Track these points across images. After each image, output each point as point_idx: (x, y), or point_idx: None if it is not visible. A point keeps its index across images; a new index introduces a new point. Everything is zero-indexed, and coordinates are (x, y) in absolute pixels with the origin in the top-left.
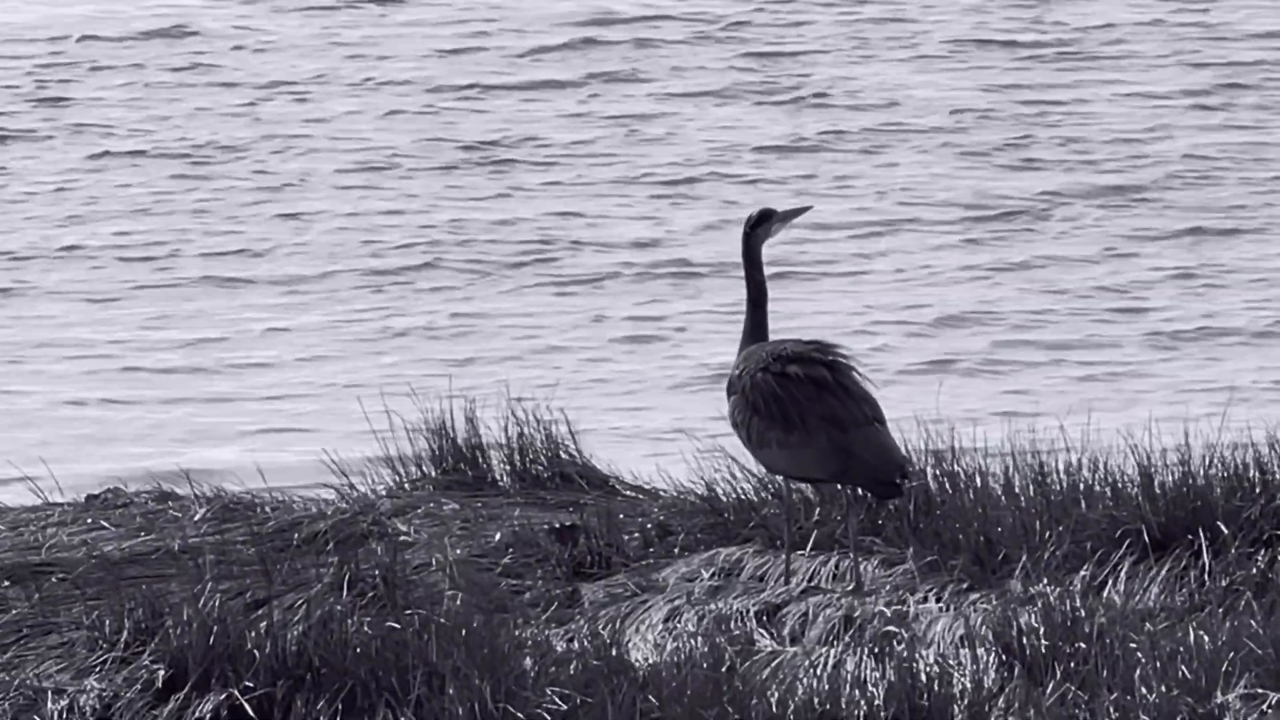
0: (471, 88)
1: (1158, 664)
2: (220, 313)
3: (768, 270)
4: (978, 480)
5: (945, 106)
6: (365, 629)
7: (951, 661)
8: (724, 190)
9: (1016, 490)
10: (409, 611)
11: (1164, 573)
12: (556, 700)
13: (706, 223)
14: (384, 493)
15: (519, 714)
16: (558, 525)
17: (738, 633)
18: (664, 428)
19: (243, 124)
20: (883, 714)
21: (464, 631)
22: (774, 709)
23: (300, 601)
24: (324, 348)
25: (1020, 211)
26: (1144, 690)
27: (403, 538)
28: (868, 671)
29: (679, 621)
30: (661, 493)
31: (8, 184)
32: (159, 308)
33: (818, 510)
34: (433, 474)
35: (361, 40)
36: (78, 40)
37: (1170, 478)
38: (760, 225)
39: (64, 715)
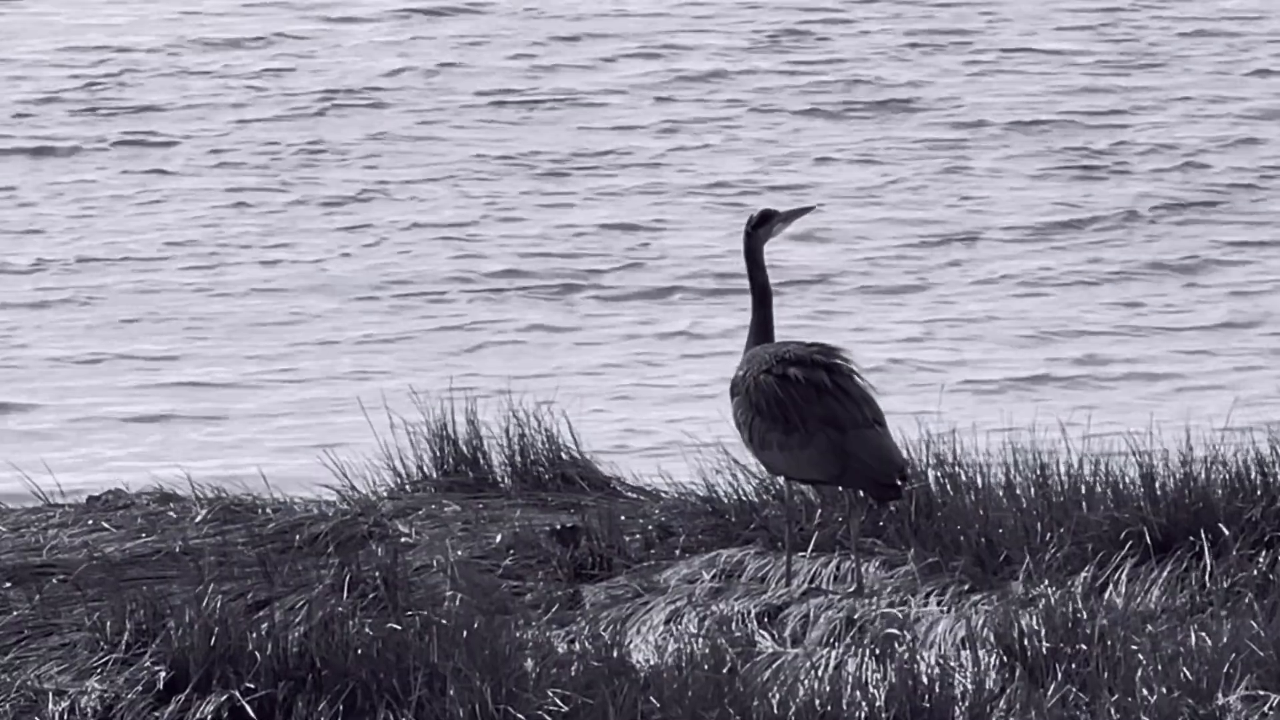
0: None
1: (1159, 665)
2: (272, 323)
3: (792, 271)
4: (979, 481)
5: (1019, 115)
6: (366, 630)
7: (953, 663)
8: (782, 200)
9: (1018, 492)
10: (410, 613)
11: (1165, 574)
12: (558, 701)
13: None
14: (385, 494)
15: (520, 715)
16: (559, 527)
17: (739, 634)
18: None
19: (313, 132)
20: (884, 715)
21: (465, 633)
22: (775, 710)
23: (301, 603)
24: (384, 361)
25: (1098, 222)
26: (1145, 692)
27: (404, 539)
28: (869, 673)
29: (680, 623)
30: (663, 494)
31: (75, 194)
32: (210, 318)
33: (819, 512)
34: (434, 475)
35: (428, 51)
36: (147, 51)
37: (1172, 479)
38: (761, 226)
39: (65, 717)
